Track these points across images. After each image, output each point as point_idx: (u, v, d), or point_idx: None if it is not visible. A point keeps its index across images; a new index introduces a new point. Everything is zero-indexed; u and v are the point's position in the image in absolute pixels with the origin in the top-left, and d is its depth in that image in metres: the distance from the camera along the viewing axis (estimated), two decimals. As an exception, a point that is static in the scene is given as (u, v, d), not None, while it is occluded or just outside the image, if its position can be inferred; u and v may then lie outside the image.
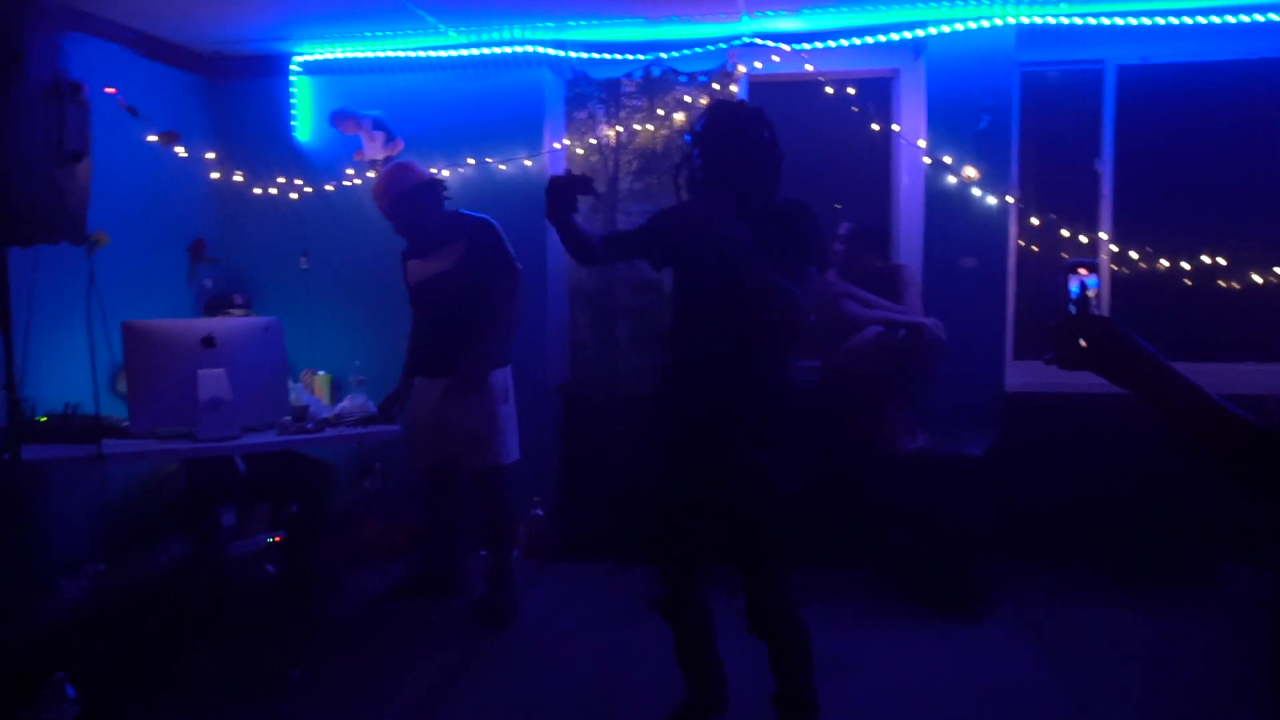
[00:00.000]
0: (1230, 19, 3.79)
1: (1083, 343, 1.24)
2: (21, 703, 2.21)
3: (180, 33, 4.14)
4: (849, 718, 2.65)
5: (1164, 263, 4.02)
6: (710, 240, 2.14)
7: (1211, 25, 3.81)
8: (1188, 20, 3.82)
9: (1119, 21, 3.85)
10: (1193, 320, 4.13)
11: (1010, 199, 3.98)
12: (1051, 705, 2.77)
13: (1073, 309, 1.29)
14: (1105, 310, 4.15)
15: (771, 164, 2.28)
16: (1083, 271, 1.29)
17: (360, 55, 4.30)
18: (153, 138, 3.98)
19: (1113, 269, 4.12)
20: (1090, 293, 1.30)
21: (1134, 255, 4.03)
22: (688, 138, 2.28)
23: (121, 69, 3.95)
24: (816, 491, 3.82)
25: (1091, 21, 3.86)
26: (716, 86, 4.10)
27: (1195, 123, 4.11)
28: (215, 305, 4.00)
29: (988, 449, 3.60)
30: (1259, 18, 3.76)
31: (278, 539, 4.10)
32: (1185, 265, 4.00)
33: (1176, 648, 3.14)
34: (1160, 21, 3.84)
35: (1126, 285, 4.12)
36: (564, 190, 2.15)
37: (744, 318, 2.21)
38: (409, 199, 3.47)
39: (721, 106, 2.32)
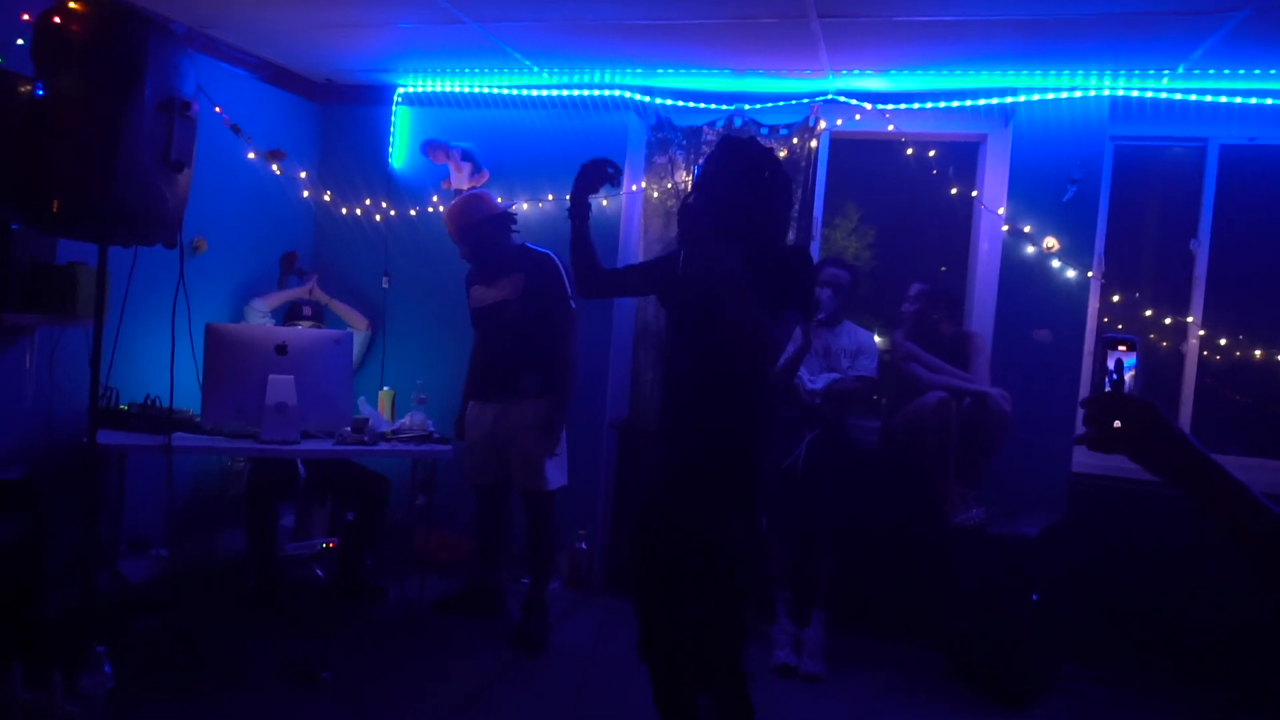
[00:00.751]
0: (1347, 103, 3.60)
1: (1117, 424, 1.19)
2: (63, 669, 2.34)
3: (297, 61, 4.44)
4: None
5: (1258, 352, 3.79)
6: (699, 273, 2.14)
7: (1325, 109, 3.63)
8: (1300, 102, 3.64)
9: (1223, 100, 3.70)
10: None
11: (1091, 273, 3.85)
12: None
13: (1108, 387, 1.23)
14: (1190, 395, 3.95)
15: (771, 206, 2.24)
16: (1121, 348, 1.23)
17: (456, 89, 4.51)
18: (252, 155, 4.25)
19: (1201, 354, 3.91)
20: (1128, 374, 1.24)
21: (1223, 342, 3.82)
22: (697, 168, 2.29)
23: (242, 90, 4.26)
24: (866, 556, 3.74)
25: (1194, 99, 3.72)
26: (797, 140, 4.12)
27: (1304, 209, 3.90)
28: (287, 315, 4.22)
29: (1045, 529, 3.44)
30: (1379, 104, 3.56)
31: (331, 544, 4.24)
32: (1280, 357, 3.78)
33: None
34: (1269, 102, 3.67)
35: (1214, 371, 3.91)
36: (593, 172, 2.36)
37: (721, 357, 2.16)
38: (478, 227, 3.61)
39: (728, 143, 2.28)
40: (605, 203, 4.35)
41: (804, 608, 3.61)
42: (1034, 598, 3.36)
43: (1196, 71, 3.56)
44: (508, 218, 3.67)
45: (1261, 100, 3.67)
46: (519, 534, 3.78)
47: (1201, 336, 3.89)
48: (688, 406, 2.24)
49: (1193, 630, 3.54)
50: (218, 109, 3.98)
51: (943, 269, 4.29)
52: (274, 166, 4.34)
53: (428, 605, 3.77)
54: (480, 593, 3.82)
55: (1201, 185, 3.94)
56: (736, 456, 2.19)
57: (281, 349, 3.39)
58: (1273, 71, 3.51)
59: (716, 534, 2.14)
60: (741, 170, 2.21)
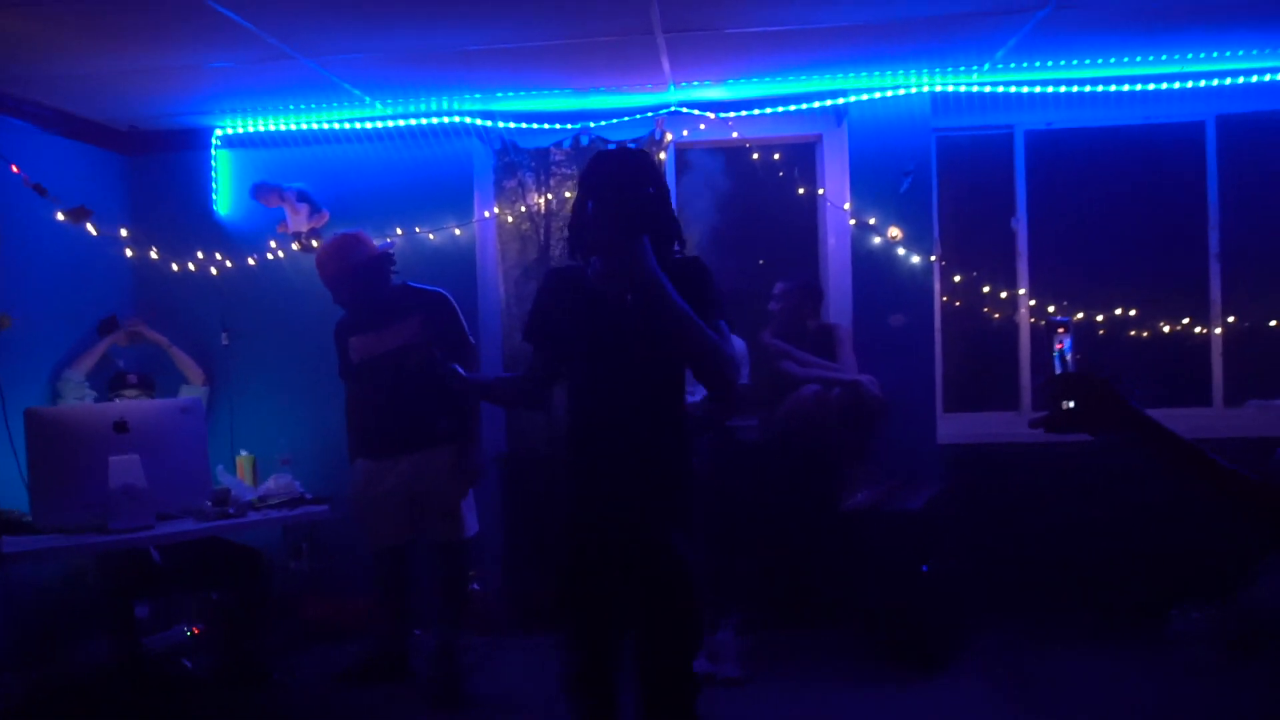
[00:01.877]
0: (1126, 88, 4.02)
1: (1070, 404, 1.23)
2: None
3: (96, 109, 4.03)
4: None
5: (1079, 315, 4.18)
6: (624, 281, 2.03)
7: (1109, 93, 4.04)
8: (1088, 89, 4.04)
9: (1025, 90, 4.05)
10: (1108, 370, 4.29)
11: (934, 258, 4.10)
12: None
13: (1057, 370, 1.27)
14: (1026, 360, 4.28)
15: (664, 217, 2.14)
16: (1061, 331, 1.29)
17: (283, 128, 4.24)
18: (61, 216, 3.82)
19: (1031, 322, 4.26)
20: (1069, 354, 1.28)
21: (1051, 309, 4.18)
22: (582, 180, 2.15)
23: (34, 146, 3.82)
24: (767, 554, 3.81)
25: (1000, 90, 4.05)
26: (645, 154, 4.15)
27: (1100, 182, 4.32)
28: (111, 385, 3.82)
29: (928, 501, 3.63)
30: (1151, 87, 4.01)
31: (195, 630, 3.87)
32: (1099, 317, 4.17)
33: (1136, 692, 3.18)
34: (1063, 90, 4.05)
35: (1045, 338, 4.26)
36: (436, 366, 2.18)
37: (653, 387, 2.10)
38: (359, 272, 3.36)
39: (607, 157, 2.16)
40: (459, 232, 4.22)
41: (713, 615, 3.63)
42: (924, 568, 3.53)
43: (1001, 66, 3.88)
44: (388, 258, 3.42)
45: (1057, 88, 4.05)
46: (422, 588, 3.56)
47: (1031, 306, 4.23)
48: (627, 422, 2.11)
49: (1070, 568, 3.87)
50: (15, 168, 3.54)
51: (760, 262, 4.43)
52: (88, 226, 3.91)
53: (326, 680, 3.48)
54: (384, 658, 3.55)
55: (1014, 168, 4.30)
56: (680, 470, 2.13)
57: (121, 426, 3.05)
58: (1062, 63, 3.87)
59: (671, 551, 2.07)
60: (639, 179, 2.10)
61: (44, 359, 3.78)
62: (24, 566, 3.36)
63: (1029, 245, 4.29)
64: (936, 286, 4.18)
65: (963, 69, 3.90)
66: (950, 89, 4.04)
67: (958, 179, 4.33)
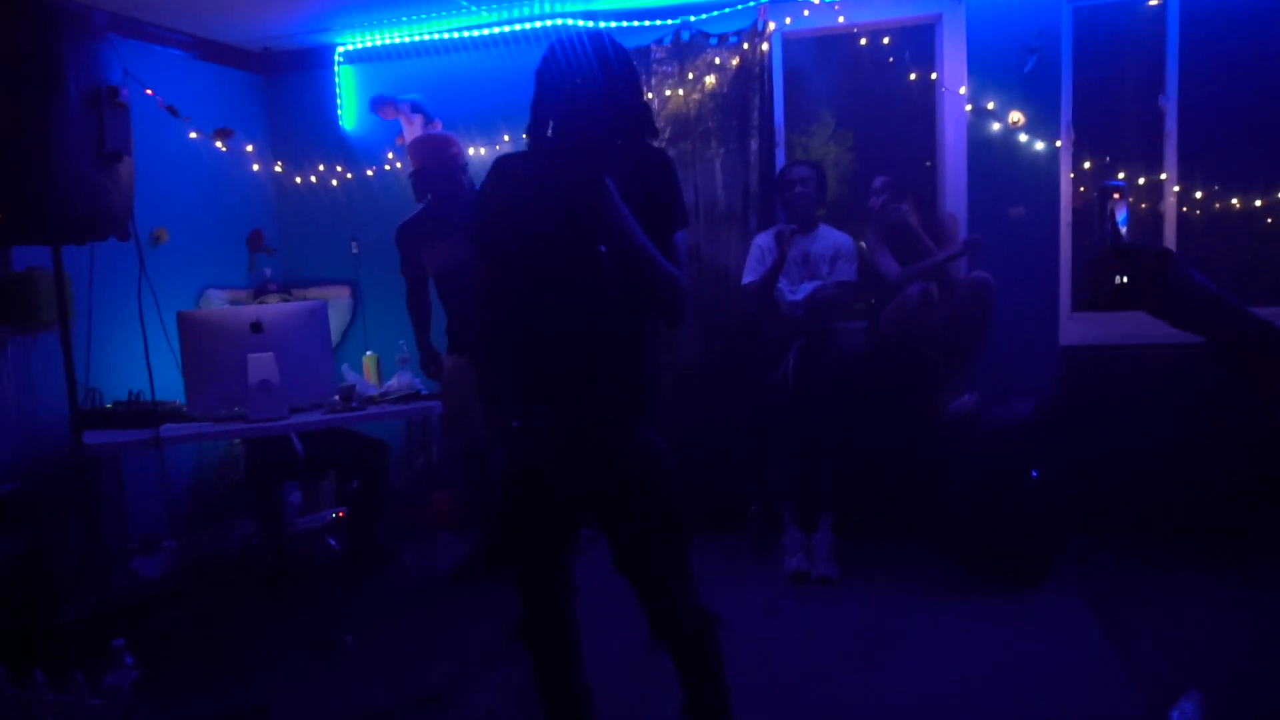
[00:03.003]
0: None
1: (1123, 279, 1.12)
2: (84, 669, 2.38)
3: (231, 33, 4.32)
4: (901, 694, 2.57)
5: (1235, 202, 3.75)
6: (568, 209, 1.78)
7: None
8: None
9: (1179, -55, 3.58)
10: (1265, 262, 3.84)
11: (1059, 143, 3.78)
12: (1112, 681, 2.58)
13: (1109, 241, 1.16)
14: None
15: (629, 109, 1.81)
16: (1116, 197, 1.17)
17: (396, 40, 4.39)
18: (194, 134, 4.16)
19: (1180, 211, 3.86)
20: (1123, 226, 1.16)
21: (1199, 195, 3.77)
22: (540, 69, 1.86)
23: (181, 71, 4.17)
24: (868, 459, 3.75)
25: (1149, -53, 3.61)
26: (748, 46, 4.01)
27: (1265, 54, 3.78)
28: (256, 294, 4.20)
29: (1037, 407, 3.45)
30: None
31: (341, 514, 4.28)
32: (1257, 203, 3.73)
33: (1247, 624, 2.92)
34: (1225, -59, 3.55)
35: (1194, 227, 3.86)
36: None
37: (612, 298, 1.83)
38: (446, 177, 3.49)
39: (565, 40, 1.83)
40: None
41: (810, 514, 3.65)
42: (1034, 474, 3.38)
43: (1148, -81, 3.44)
44: (462, 169, 3.55)
45: (1217, -60, 3.56)
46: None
47: (1177, 193, 3.83)
48: (586, 325, 1.85)
49: (1192, 488, 3.56)
50: (149, 91, 3.88)
51: (928, 164, 4.20)
52: (218, 144, 4.25)
53: (443, 568, 3.77)
54: (489, 555, 3.76)
55: (1165, 39, 3.84)
56: (644, 374, 1.93)
57: (256, 326, 3.37)
58: (1227, -92, 3.39)
59: (652, 452, 1.89)
60: (591, 68, 1.79)
61: (194, 268, 4.19)
62: (185, 451, 3.84)
63: (1179, 125, 3.85)
64: (1065, 175, 3.85)
65: (1100, -74, 3.49)
66: (1087, -49, 3.63)
67: (1095, 54, 3.90)
